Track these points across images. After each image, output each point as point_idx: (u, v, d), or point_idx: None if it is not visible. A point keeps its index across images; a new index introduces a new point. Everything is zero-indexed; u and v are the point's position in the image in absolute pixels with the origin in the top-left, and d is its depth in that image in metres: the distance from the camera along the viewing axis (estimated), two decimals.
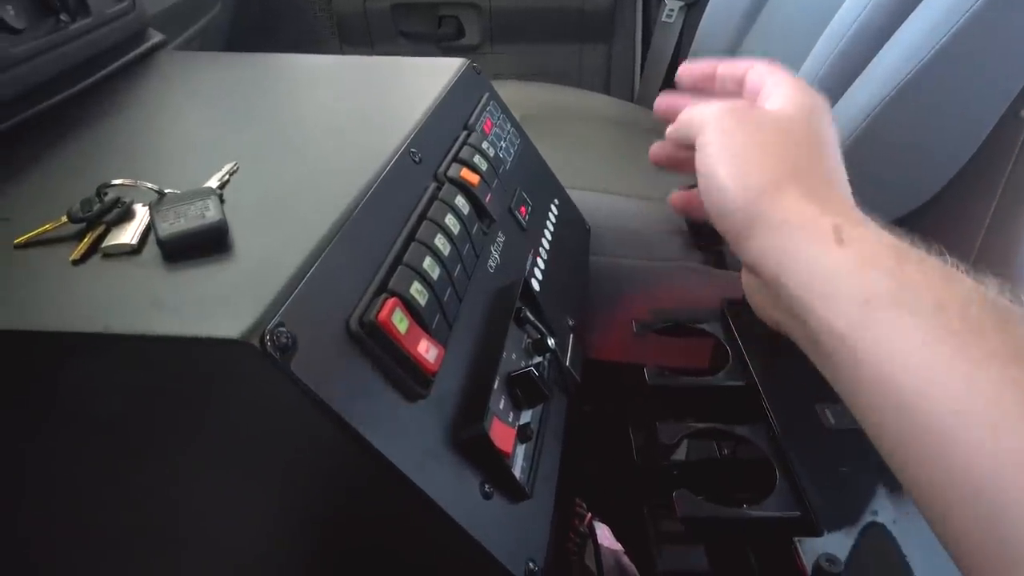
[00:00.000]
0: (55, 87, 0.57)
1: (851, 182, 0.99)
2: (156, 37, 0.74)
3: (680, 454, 0.67)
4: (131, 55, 0.68)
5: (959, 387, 0.25)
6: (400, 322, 0.38)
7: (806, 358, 0.79)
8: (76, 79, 0.60)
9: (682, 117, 0.42)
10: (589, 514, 0.63)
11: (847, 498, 0.58)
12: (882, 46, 0.77)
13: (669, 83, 1.39)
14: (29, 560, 0.43)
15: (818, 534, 0.55)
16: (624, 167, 1.06)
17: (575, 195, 0.79)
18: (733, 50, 1.16)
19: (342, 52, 1.47)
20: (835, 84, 0.82)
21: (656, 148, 0.47)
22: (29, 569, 0.43)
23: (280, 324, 0.32)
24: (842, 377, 0.30)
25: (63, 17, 0.59)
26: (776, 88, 0.40)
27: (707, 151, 0.37)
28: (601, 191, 0.92)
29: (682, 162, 0.45)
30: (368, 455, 0.35)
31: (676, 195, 0.48)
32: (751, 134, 0.37)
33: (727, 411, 0.69)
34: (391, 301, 0.38)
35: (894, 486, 0.60)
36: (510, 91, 0.73)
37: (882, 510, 0.57)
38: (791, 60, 0.90)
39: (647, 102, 1.42)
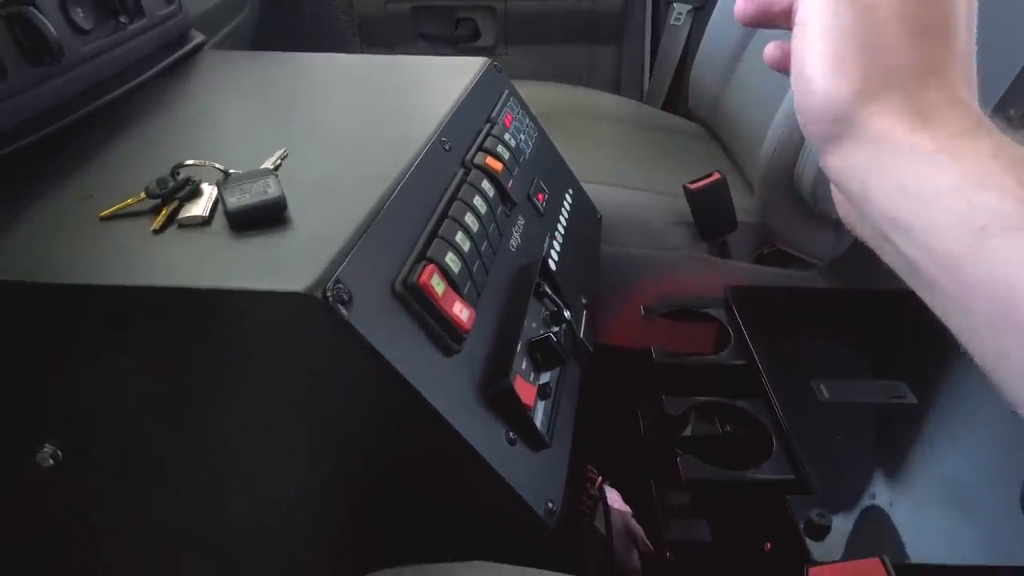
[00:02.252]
0: (117, 82, 0.63)
1: None
2: (198, 38, 0.80)
3: (685, 428, 0.72)
4: (178, 54, 0.74)
5: None
6: (438, 285, 0.43)
7: (803, 340, 0.84)
8: (134, 74, 0.65)
9: None
10: (600, 478, 0.68)
11: (845, 481, 0.62)
12: None
13: (677, 84, 1.45)
14: (107, 492, 0.48)
15: (810, 493, 0.60)
16: (633, 162, 1.11)
17: (587, 188, 0.85)
18: (739, 53, 1.21)
19: (362, 52, 1.53)
20: None
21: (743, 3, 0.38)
22: (106, 503, 0.49)
23: (339, 281, 0.38)
24: (949, 303, 0.27)
25: (122, 19, 0.65)
26: None
27: (803, 31, 0.31)
28: (611, 184, 0.97)
29: (775, 16, 0.36)
30: (412, 399, 0.40)
31: (772, 47, 0.37)
32: (862, 15, 0.30)
33: (729, 387, 0.74)
34: (430, 267, 0.43)
35: (891, 467, 0.64)
36: (524, 90, 0.78)
37: (879, 495, 0.61)
38: None
39: (656, 102, 1.47)
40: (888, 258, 0.31)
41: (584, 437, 0.62)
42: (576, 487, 0.68)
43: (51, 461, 0.45)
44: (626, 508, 0.72)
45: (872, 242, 0.32)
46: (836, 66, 0.30)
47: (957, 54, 0.30)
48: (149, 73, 0.68)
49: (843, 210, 0.35)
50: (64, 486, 0.47)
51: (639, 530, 0.71)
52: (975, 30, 0.31)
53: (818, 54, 0.30)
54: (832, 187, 0.33)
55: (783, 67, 0.36)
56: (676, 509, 0.72)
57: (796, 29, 0.32)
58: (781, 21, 0.35)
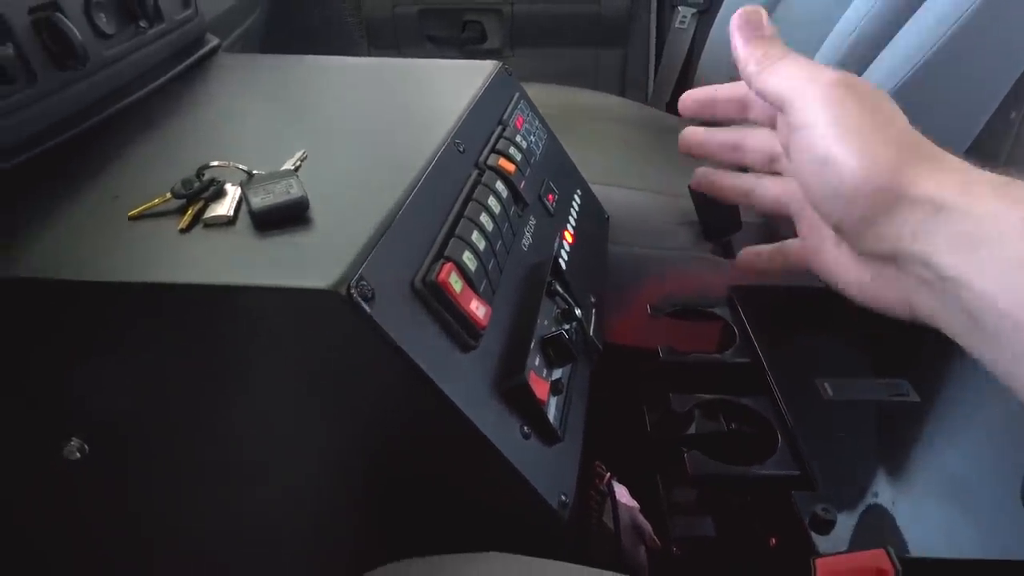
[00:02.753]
0: (138, 84, 0.64)
1: None
2: (213, 41, 0.81)
3: (691, 425, 0.74)
4: (194, 57, 0.76)
5: None
6: (455, 283, 0.45)
7: (806, 338, 0.85)
8: (153, 77, 0.67)
9: (767, 90, 0.36)
10: (608, 474, 0.69)
11: (849, 478, 0.63)
12: (878, 53, 0.84)
13: (682, 86, 1.47)
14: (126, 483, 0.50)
15: (815, 489, 0.61)
16: (638, 163, 1.13)
17: (593, 188, 0.86)
18: None
19: (370, 55, 1.54)
20: None
21: (690, 139, 0.40)
22: (127, 493, 0.50)
23: (362, 278, 0.39)
24: (1008, 352, 0.27)
25: (142, 23, 0.66)
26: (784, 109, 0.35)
27: (810, 132, 0.33)
28: (617, 185, 0.98)
29: (715, 151, 0.39)
30: (431, 393, 0.41)
31: (745, 255, 0.39)
32: (865, 104, 0.32)
33: (734, 385, 0.76)
34: (448, 265, 0.45)
35: (894, 464, 0.66)
36: (531, 92, 0.79)
37: (882, 491, 0.63)
38: None
39: (660, 104, 1.49)
40: (938, 317, 0.32)
41: (592, 434, 0.63)
42: (585, 483, 0.69)
43: (78, 455, 0.47)
44: (633, 503, 0.73)
45: (918, 310, 0.34)
46: (865, 145, 0.31)
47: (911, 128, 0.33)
48: (167, 76, 0.69)
49: (862, 290, 0.38)
50: (91, 480, 0.48)
51: (646, 525, 0.72)
52: None
53: (841, 141, 0.32)
54: (840, 272, 0.36)
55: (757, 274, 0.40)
56: (682, 505, 0.73)
57: (797, 135, 0.33)
58: (732, 112, 0.38)
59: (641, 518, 0.72)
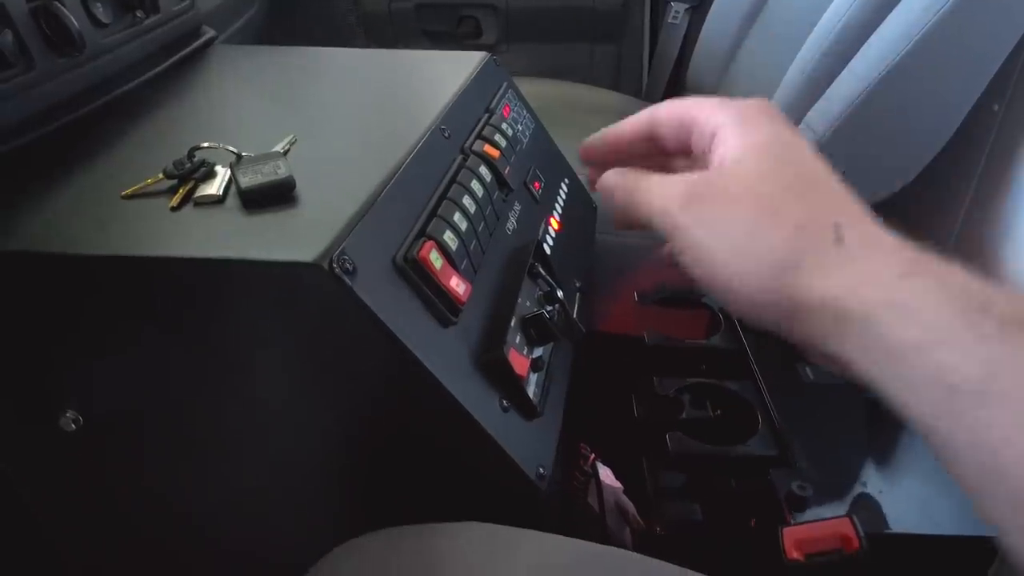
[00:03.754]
0: (134, 73, 0.66)
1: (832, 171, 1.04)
2: (209, 32, 0.83)
3: (676, 408, 0.75)
4: (190, 47, 0.77)
5: None
6: (436, 260, 0.46)
7: None
8: (149, 67, 0.68)
9: (627, 205, 0.32)
10: (592, 455, 0.71)
11: (827, 457, 0.65)
12: (861, 45, 0.85)
13: (675, 81, 1.48)
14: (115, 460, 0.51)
15: (792, 467, 0.63)
16: None
17: (583, 179, 0.87)
18: (734, 50, 1.24)
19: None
20: (822, 79, 0.90)
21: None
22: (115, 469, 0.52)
23: (344, 252, 0.41)
24: (942, 456, 0.24)
25: (138, 13, 0.68)
26: (724, 131, 0.30)
27: (689, 253, 0.29)
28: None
29: (623, 151, 0.36)
30: (412, 365, 0.43)
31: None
32: (729, 208, 0.28)
33: (719, 371, 0.77)
34: (429, 243, 0.46)
35: (872, 444, 0.67)
36: (525, 87, 0.81)
37: (860, 469, 0.64)
38: (787, 58, 0.98)
39: (654, 98, 1.50)
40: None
41: (579, 418, 0.64)
42: (570, 464, 0.71)
43: (73, 426, 0.48)
44: (617, 484, 0.74)
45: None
46: (743, 261, 0.28)
47: (822, 184, 0.29)
48: (163, 66, 0.71)
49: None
50: (86, 450, 0.50)
51: (630, 506, 0.74)
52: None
53: (719, 262, 0.28)
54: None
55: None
56: (667, 486, 0.75)
57: (680, 256, 0.29)
58: (642, 150, 0.34)
59: (625, 499, 0.74)
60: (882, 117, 0.85)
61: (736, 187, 0.28)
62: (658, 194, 0.30)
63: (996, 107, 0.91)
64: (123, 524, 0.54)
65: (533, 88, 0.89)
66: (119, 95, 0.64)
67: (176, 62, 0.73)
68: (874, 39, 0.84)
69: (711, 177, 0.29)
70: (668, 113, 0.33)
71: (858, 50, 0.86)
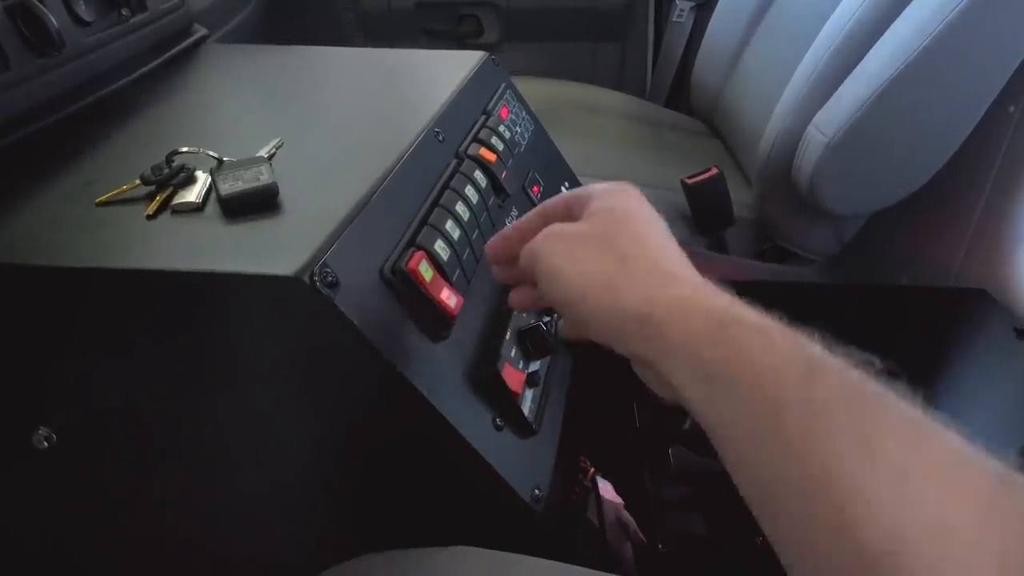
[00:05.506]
0: (119, 73, 0.64)
1: (841, 174, 1.03)
2: (201, 31, 0.81)
3: (680, 420, 0.73)
4: (180, 47, 0.75)
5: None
6: (426, 271, 0.44)
7: (803, 331, 0.84)
8: (135, 67, 0.66)
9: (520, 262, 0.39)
10: (592, 469, 0.68)
11: None
12: (873, 44, 0.83)
13: (679, 81, 1.45)
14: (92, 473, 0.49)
15: None
16: (632, 157, 1.12)
17: (585, 181, 0.85)
18: (740, 50, 1.21)
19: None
20: (831, 78, 0.87)
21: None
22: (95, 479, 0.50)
23: (326, 265, 0.38)
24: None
25: (124, 12, 0.66)
26: (592, 201, 0.38)
27: (546, 276, 0.36)
28: (610, 178, 0.97)
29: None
30: (398, 383, 0.41)
31: (514, 295, 0.43)
32: (579, 244, 0.36)
33: None
34: (419, 253, 0.44)
35: None
36: (526, 87, 0.78)
37: None
38: (795, 58, 0.95)
39: (658, 99, 1.48)
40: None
41: (578, 429, 0.62)
42: (568, 480, 0.68)
43: (46, 444, 0.46)
44: (618, 499, 0.72)
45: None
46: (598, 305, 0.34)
47: (650, 252, 0.36)
48: (151, 66, 0.69)
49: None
50: (58, 469, 0.48)
51: (631, 521, 0.71)
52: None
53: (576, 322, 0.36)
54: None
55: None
56: (670, 501, 0.72)
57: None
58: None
59: (626, 514, 0.72)
60: (894, 118, 0.82)
61: (587, 231, 0.37)
62: (528, 252, 0.38)
63: (1012, 109, 0.88)
64: (95, 541, 0.52)
65: (534, 88, 0.86)
66: (103, 96, 0.61)
67: (164, 62, 0.71)
68: (888, 36, 0.81)
69: (571, 225, 0.38)
70: (557, 200, 0.41)
71: (869, 49, 0.83)
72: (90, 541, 0.53)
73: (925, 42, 0.77)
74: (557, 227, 0.38)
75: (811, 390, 0.28)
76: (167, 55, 0.72)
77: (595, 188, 0.40)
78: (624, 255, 0.35)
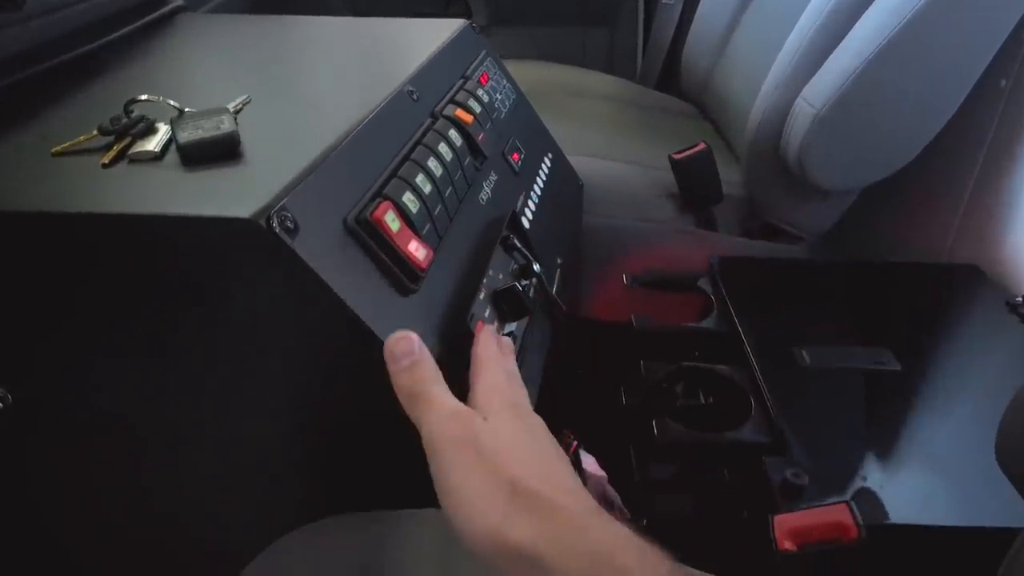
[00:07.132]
0: (86, 37, 0.62)
1: (829, 148, 1.02)
2: (176, 1, 0.79)
3: (664, 394, 0.71)
4: (154, 15, 0.73)
5: None
6: (392, 222, 0.42)
7: (787, 309, 0.82)
8: (105, 31, 0.64)
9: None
10: (575, 443, 0.67)
11: (824, 445, 0.61)
12: (858, 18, 0.81)
13: (670, 64, 1.44)
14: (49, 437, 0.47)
15: (787, 455, 0.59)
16: (621, 137, 1.10)
17: (573, 160, 0.83)
18: (730, 32, 1.19)
19: None
20: (817, 54, 0.86)
21: None
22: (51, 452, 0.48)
23: (285, 209, 0.37)
24: None
25: None
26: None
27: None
28: (598, 156, 0.96)
29: None
30: (362, 334, 0.39)
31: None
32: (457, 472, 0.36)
33: (711, 355, 0.73)
34: (385, 203, 0.42)
35: (871, 432, 0.63)
36: (514, 69, 0.77)
37: (858, 458, 0.60)
38: (782, 39, 0.94)
39: (649, 82, 1.46)
40: None
41: (563, 406, 0.61)
42: None
43: (0, 405, 0.44)
44: (602, 474, 0.71)
45: None
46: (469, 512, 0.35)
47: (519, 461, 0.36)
48: (121, 32, 0.67)
49: None
50: (13, 431, 0.46)
51: (615, 496, 0.70)
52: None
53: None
54: None
55: None
56: (655, 475, 0.71)
57: None
58: None
59: (611, 489, 0.70)
60: (881, 90, 0.81)
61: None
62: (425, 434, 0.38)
63: (1003, 83, 0.87)
64: (55, 509, 0.50)
65: (523, 71, 0.85)
66: (68, 59, 0.60)
67: (137, 29, 0.69)
68: (871, 11, 0.80)
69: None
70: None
71: (855, 23, 0.82)
72: (49, 508, 0.51)
73: (909, 15, 0.76)
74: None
75: None
76: (140, 23, 0.70)
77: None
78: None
